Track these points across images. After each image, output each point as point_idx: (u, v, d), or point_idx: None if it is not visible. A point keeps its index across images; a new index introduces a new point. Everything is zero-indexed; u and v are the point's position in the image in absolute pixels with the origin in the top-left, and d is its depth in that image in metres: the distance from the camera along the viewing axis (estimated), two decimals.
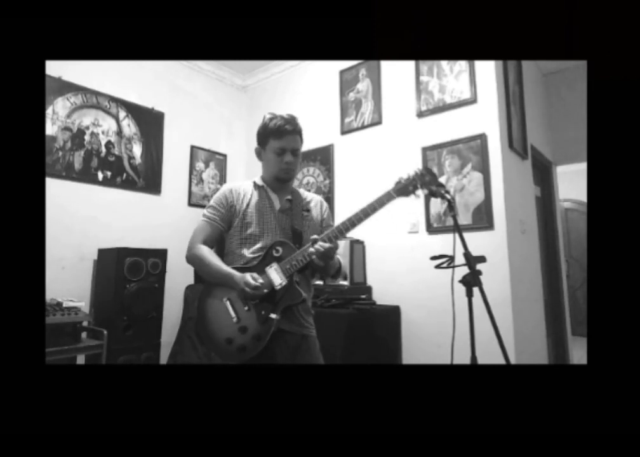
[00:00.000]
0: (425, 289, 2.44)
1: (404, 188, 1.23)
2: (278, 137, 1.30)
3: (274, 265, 1.23)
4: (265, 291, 1.20)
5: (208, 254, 1.29)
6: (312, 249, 1.18)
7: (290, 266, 1.21)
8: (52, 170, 2.57)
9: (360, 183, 2.89)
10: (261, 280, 1.19)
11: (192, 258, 1.31)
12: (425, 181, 1.23)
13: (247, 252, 1.29)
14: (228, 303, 1.25)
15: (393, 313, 2.54)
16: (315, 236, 1.21)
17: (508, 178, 2.35)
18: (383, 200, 1.22)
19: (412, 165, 2.60)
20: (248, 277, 1.19)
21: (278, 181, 1.37)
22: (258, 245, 1.29)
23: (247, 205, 1.33)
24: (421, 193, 1.23)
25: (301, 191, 1.47)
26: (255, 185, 1.39)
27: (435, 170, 2.51)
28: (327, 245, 1.17)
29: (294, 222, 1.33)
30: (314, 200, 1.46)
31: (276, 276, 1.22)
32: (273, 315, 1.20)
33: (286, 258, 1.23)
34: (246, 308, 1.23)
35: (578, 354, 3.71)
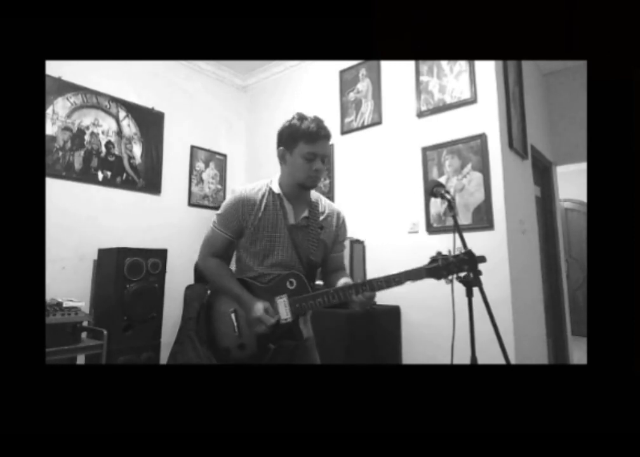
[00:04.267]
0: (425, 289, 2.42)
1: (436, 270, 1.08)
2: (310, 141, 1.20)
3: (284, 298, 1.19)
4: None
5: (220, 268, 1.28)
6: (355, 299, 1.12)
7: (300, 307, 1.18)
8: (52, 170, 2.57)
9: (360, 183, 2.89)
10: (273, 319, 1.16)
11: (204, 271, 1.31)
12: (462, 269, 1.08)
13: (257, 266, 1.26)
14: (233, 316, 1.24)
15: (393, 313, 2.54)
16: (349, 282, 1.16)
17: (508, 178, 2.35)
18: (412, 277, 1.10)
19: (412, 165, 2.62)
20: (262, 311, 1.16)
21: (301, 188, 1.27)
22: (269, 261, 1.25)
23: (260, 218, 1.25)
24: (455, 281, 1.09)
25: (319, 201, 1.37)
26: (271, 192, 1.29)
27: (435, 170, 2.51)
28: (368, 294, 1.11)
29: (310, 250, 1.28)
30: (332, 214, 1.38)
31: (283, 310, 1.19)
32: (271, 345, 1.19)
33: (297, 294, 1.19)
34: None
35: (578, 354, 3.70)
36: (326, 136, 1.23)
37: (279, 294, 1.20)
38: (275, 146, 1.30)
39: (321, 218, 1.33)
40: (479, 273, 1.22)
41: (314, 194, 1.37)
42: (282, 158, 1.28)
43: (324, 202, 1.39)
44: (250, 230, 1.25)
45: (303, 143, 1.20)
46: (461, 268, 1.08)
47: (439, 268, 1.08)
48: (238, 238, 1.30)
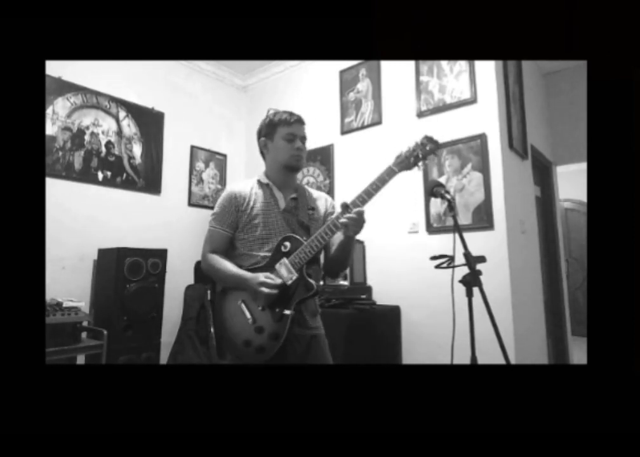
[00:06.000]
0: (425, 289, 2.44)
1: (405, 161, 1.20)
2: (287, 125, 1.32)
3: (283, 260, 1.22)
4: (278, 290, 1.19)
5: (218, 260, 1.30)
6: (343, 220, 1.16)
7: (299, 260, 1.20)
8: (52, 170, 2.57)
9: (360, 183, 2.88)
10: (278, 280, 1.18)
11: (206, 269, 1.33)
12: (427, 151, 1.19)
13: (256, 253, 1.28)
14: (243, 305, 1.25)
15: (393, 313, 2.54)
16: (344, 202, 1.20)
17: (508, 178, 2.35)
18: (385, 178, 1.19)
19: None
20: (262, 277, 1.18)
21: (287, 170, 1.34)
22: (267, 247, 1.28)
23: (252, 207, 1.31)
24: (422, 164, 1.19)
25: (306, 187, 1.46)
26: (260, 183, 1.36)
27: (435, 170, 2.51)
28: (356, 211, 1.17)
29: (300, 217, 1.32)
30: (320, 197, 1.45)
31: (286, 271, 1.20)
32: (287, 311, 1.19)
33: (294, 252, 1.22)
34: (260, 308, 1.22)
35: (578, 354, 3.70)
36: (299, 120, 1.35)
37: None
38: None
39: (309, 199, 1.40)
40: (479, 273, 1.22)
41: (302, 185, 1.46)
42: (264, 147, 1.38)
43: (311, 190, 1.48)
44: (245, 219, 1.30)
45: (281, 127, 1.33)
46: (425, 150, 1.18)
47: (405, 158, 1.19)
48: (234, 232, 1.33)
